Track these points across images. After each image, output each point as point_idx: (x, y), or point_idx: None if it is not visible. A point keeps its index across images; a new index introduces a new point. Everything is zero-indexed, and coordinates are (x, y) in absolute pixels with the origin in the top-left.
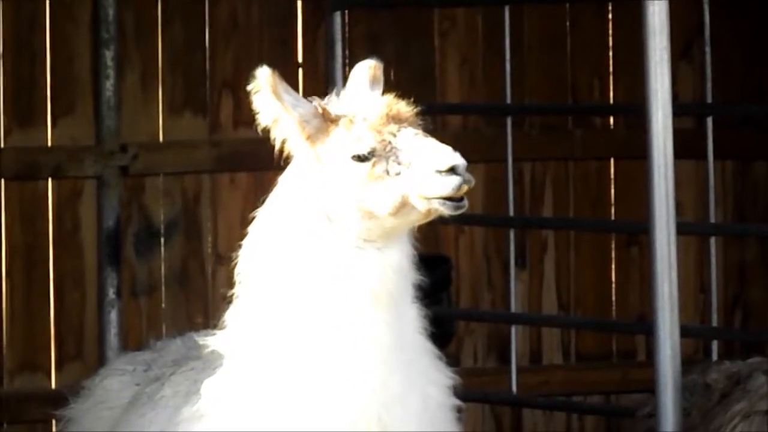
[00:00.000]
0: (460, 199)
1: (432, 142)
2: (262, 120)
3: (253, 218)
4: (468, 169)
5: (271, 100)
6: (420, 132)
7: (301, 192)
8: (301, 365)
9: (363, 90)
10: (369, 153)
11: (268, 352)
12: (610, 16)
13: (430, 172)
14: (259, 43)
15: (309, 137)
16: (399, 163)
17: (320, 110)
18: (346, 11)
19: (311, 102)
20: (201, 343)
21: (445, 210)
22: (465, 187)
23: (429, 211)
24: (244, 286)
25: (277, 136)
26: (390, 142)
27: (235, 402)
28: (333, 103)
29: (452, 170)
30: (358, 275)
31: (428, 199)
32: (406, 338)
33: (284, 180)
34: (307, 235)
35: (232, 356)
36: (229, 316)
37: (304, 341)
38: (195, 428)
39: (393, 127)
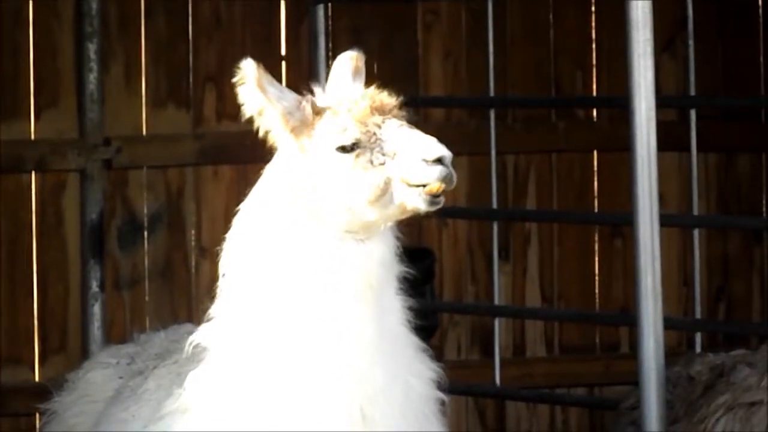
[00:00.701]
0: (437, 195)
1: (417, 133)
2: (247, 112)
3: (237, 211)
4: (453, 163)
5: (256, 93)
6: (404, 123)
7: (285, 184)
8: (283, 358)
9: (346, 82)
10: (353, 144)
11: (252, 345)
12: (593, 8)
13: (416, 161)
14: (242, 36)
15: (293, 129)
16: (383, 154)
17: (304, 102)
18: (329, 4)
19: (295, 94)
20: (184, 336)
21: (422, 204)
22: (442, 186)
23: (406, 205)
24: (228, 279)
25: (261, 128)
26: (374, 133)
27: (218, 396)
28: (317, 96)
29: (438, 161)
30: (340, 267)
31: (410, 185)
32: (390, 330)
33: (268, 172)
34: (290, 228)
35: (216, 349)
36: (213, 309)
37: (287, 334)
38: (178, 423)
39: (377, 119)
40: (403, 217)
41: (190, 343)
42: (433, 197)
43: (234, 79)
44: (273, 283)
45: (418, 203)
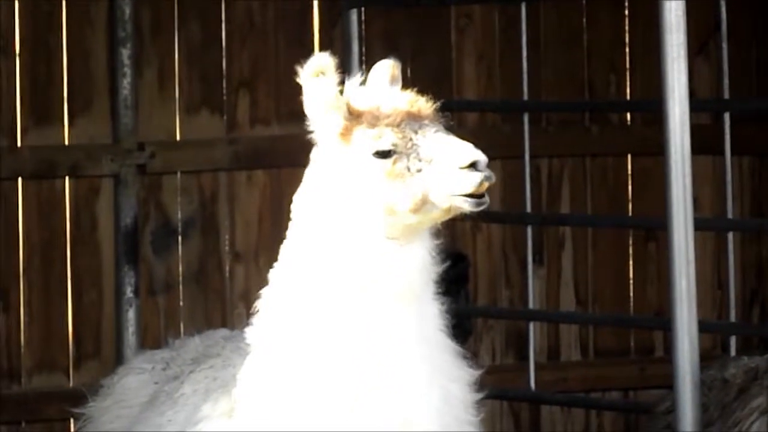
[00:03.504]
0: (482, 196)
1: (453, 139)
2: (309, 110)
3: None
4: (488, 165)
5: (330, 90)
6: (441, 129)
7: (326, 188)
8: (326, 362)
9: (383, 89)
10: (390, 150)
11: (295, 349)
12: (626, 12)
13: (451, 169)
14: (275, 42)
15: (339, 132)
16: (420, 160)
17: (347, 106)
18: (362, 9)
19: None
20: (219, 341)
21: (467, 207)
22: (486, 184)
23: (450, 209)
24: (273, 282)
25: (315, 129)
26: (411, 139)
27: (264, 399)
28: (354, 99)
29: (473, 166)
30: (381, 271)
31: (450, 196)
32: (429, 335)
33: (309, 176)
34: (332, 232)
35: (259, 352)
36: (256, 312)
37: (330, 338)
38: (222, 426)
39: (414, 125)
40: (447, 218)
41: (226, 347)
42: (477, 198)
43: (305, 73)
44: (316, 288)
45: (464, 206)
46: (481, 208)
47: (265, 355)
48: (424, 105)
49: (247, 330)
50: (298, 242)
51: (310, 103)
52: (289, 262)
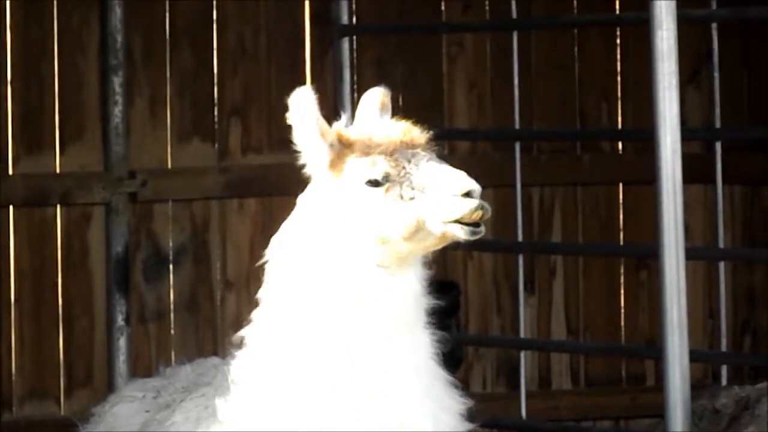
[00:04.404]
0: (477, 225)
1: (446, 167)
2: (299, 142)
3: (265, 243)
4: (482, 196)
5: (315, 124)
6: (434, 158)
7: (317, 216)
8: (314, 390)
9: (373, 116)
10: (383, 178)
11: (282, 376)
12: (617, 40)
13: (445, 196)
14: (267, 69)
15: (330, 162)
16: (413, 188)
17: (338, 136)
18: (354, 36)
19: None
20: (210, 369)
21: (462, 234)
22: (480, 213)
23: (445, 235)
24: (261, 309)
25: (304, 160)
26: (404, 167)
27: (250, 428)
28: (346, 129)
29: (467, 195)
30: (372, 300)
31: (445, 222)
32: (420, 363)
33: (300, 204)
34: (322, 260)
35: (246, 379)
36: (244, 339)
37: (318, 365)
38: None
39: (407, 153)
40: (440, 246)
41: (217, 376)
42: (474, 226)
43: (290, 107)
44: (305, 315)
45: (459, 234)
46: (477, 237)
47: (253, 381)
48: (416, 134)
49: (235, 357)
50: (288, 268)
51: (297, 135)
52: (277, 289)
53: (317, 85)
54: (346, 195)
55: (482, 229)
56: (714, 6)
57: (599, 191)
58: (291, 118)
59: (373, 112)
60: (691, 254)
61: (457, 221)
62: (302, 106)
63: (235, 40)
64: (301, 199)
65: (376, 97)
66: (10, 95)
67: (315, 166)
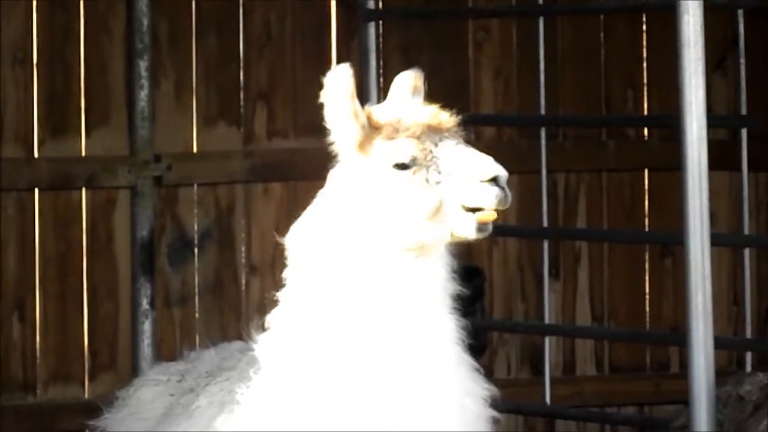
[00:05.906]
0: (485, 224)
1: (473, 152)
2: (330, 122)
3: (290, 226)
4: (507, 182)
5: (350, 102)
6: (461, 142)
7: (343, 198)
8: (339, 374)
9: (404, 100)
10: (410, 161)
11: (308, 359)
12: (644, 27)
13: (472, 181)
14: (292, 54)
15: (359, 143)
16: (439, 172)
17: (367, 118)
18: (380, 22)
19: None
20: (235, 353)
21: (471, 231)
22: (494, 215)
23: (453, 231)
24: (286, 292)
25: (335, 140)
26: (431, 151)
27: (274, 413)
28: (375, 112)
29: (494, 181)
30: (397, 284)
31: (465, 209)
32: (444, 349)
33: (327, 186)
34: (347, 243)
35: (271, 364)
36: (272, 320)
37: (343, 349)
38: None
39: (434, 137)
40: (449, 241)
41: (241, 360)
42: (482, 225)
43: (326, 85)
44: (331, 298)
45: (467, 230)
46: (483, 235)
47: (279, 365)
48: (444, 118)
49: (258, 343)
50: (314, 250)
51: (330, 114)
52: (302, 272)
53: None
54: (373, 177)
55: (489, 227)
56: None
57: (624, 178)
58: (325, 96)
59: (406, 95)
60: (716, 241)
61: (476, 211)
62: (339, 83)
63: (261, 24)
64: (330, 181)
65: (409, 80)
66: (36, 79)
67: (344, 146)
